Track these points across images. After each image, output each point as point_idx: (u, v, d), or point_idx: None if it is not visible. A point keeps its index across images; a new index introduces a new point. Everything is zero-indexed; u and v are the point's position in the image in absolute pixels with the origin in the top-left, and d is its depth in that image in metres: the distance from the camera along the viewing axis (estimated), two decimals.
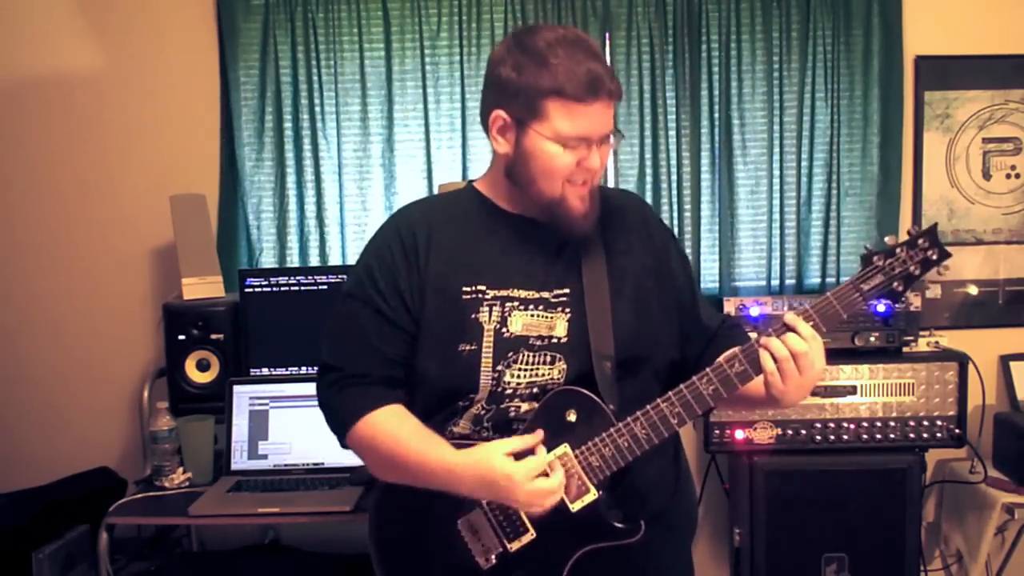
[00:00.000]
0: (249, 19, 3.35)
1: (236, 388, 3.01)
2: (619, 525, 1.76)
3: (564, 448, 1.75)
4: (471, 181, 1.98)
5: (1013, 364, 3.46)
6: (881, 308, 3.05)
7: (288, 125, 3.39)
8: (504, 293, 1.81)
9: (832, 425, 3.03)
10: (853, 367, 3.03)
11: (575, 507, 1.74)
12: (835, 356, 3.02)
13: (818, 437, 3.02)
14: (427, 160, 3.41)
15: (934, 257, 1.69)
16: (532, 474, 1.67)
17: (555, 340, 1.81)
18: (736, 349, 1.75)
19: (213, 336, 3.08)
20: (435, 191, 3.34)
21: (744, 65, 3.41)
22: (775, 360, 1.68)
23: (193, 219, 3.17)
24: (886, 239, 1.72)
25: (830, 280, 3.44)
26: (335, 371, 1.86)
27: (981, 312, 3.51)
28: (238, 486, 2.84)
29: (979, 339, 3.41)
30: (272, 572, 3.04)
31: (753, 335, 1.77)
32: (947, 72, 3.45)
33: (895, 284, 1.70)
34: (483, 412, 1.80)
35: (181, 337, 3.08)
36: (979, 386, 3.19)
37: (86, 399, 3.50)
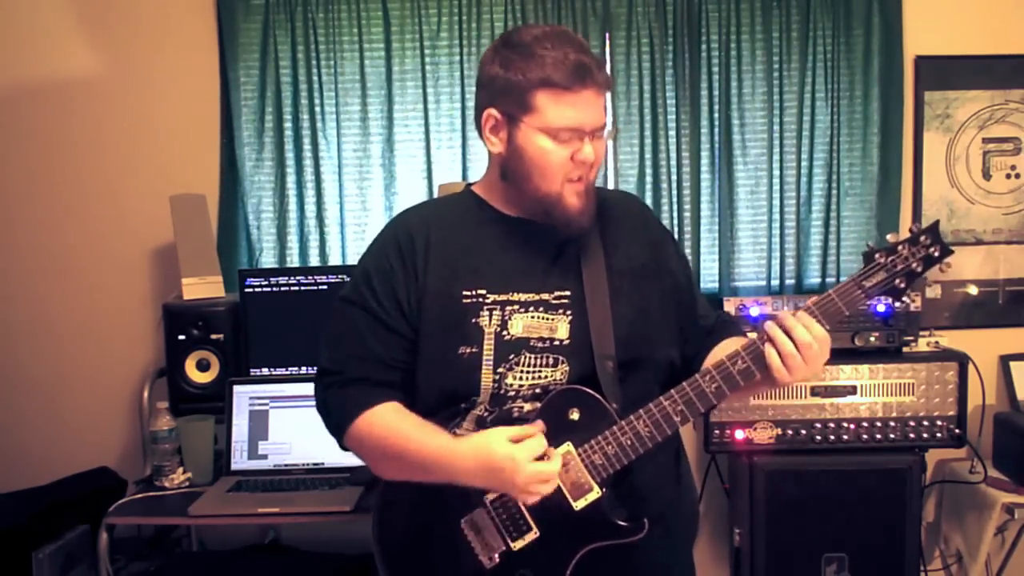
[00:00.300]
0: (249, 19, 3.35)
1: (236, 388, 3.01)
2: (622, 523, 1.76)
3: (567, 446, 1.75)
4: (469, 184, 1.98)
5: (1013, 364, 3.46)
6: (881, 308, 3.06)
7: (288, 125, 3.39)
8: (504, 297, 1.81)
9: (832, 425, 3.02)
10: (853, 367, 3.03)
11: (578, 505, 1.74)
12: (835, 356, 2.98)
13: (818, 437, 3.02)
14: (427, 160, 3.41)
15: (936, 254, 1.69)
16: (532, 455, 1.67)
17: (557, 342, 1.81)
18: (739, 347, 1.74)
19: (213, 336, 3.08)
20: (435, 191, 3.34)
21: (744, 65, 3.41)
22: (781, 356, 1.68)
23: (193, 219, 3.17)
24: (888, 236, 1.72)
25: (830, 280, 3.44)
26: (333, 375, 1.86)
27: (981, 312, 3.51)
28: (238, 486, 2.84)
29: (979, 339, 3.41)
30: (272, 572, 3.04)
31: (753, 335, 1.77)
32: (947, 72, 3.46)
33: (897, 281, 1.70)
34: (486, 414, 1.80)
35: (181, 337, 3.08)
36: (979, 386, 3.19)
37: (86, 399, 3.50)
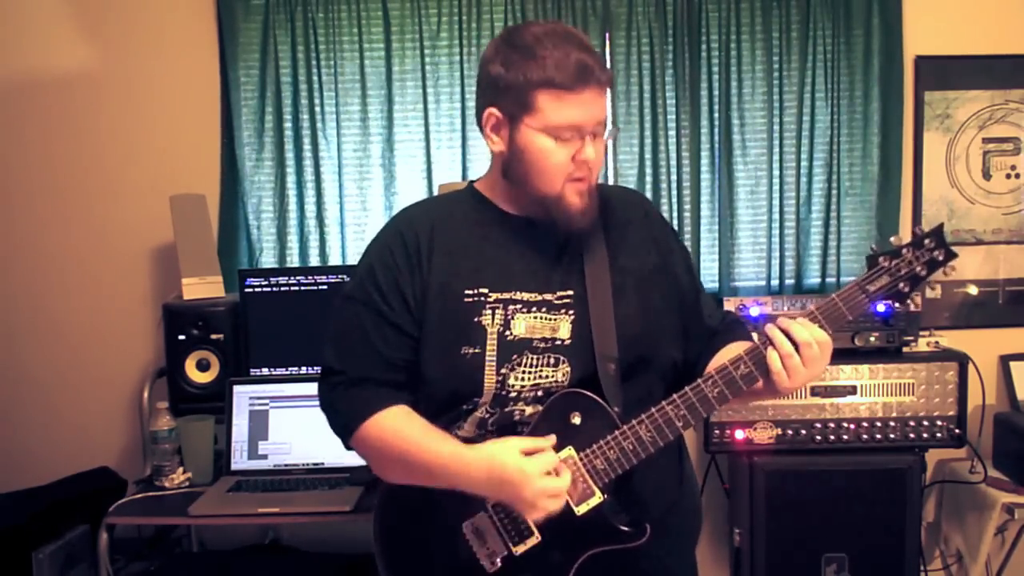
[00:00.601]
0: (249, 19, 3.35)
1: (236, 388, 3.01)
2: (624, 528, 1.76)
3: (569, 451, 1.75)
4: (471, 182, 1.97)
5: (1013, 364, 3.46)
6: (881, 308, 3.05)
7: (288, 125, 3.39)
8: (506, 296, 1.80)
9: (832, 425, 3.02)
10: (853, 367, 3.03)
11: (580, 510, 1.74)
12: (835, 356, 2.97)
13: (818, 437, 3.02)
14: (427, 160, 3.41)
15: (940, 258, 1.70)
16: (543, 469, 1.67)
17: (559, 342, 1.80)
18: (741, 351, 1.74)
19: (213, 336, 3.08)
20: (435, 191, 3.34)
21: (744, 65, 3.41)
22: (780, 358, 1.68)
23: (193, 219, 3.17)
24: (891, 239, 1.72)
25: (830, 280, 3.45)
26: (338, 374, 1.85)
27: (981, 312, 3.51)
28: (238, 486, 2.84)
29: (979, 339, 3.41)
30: (272, 572, 3.04)
31: (755, 335, 1.77)
32: (947, 72, 3.46)
33: (901, 285, 1.70)
34: (487, 415, 1.80)
35: (181, 337, 3.07)
36: (979, 386, 3.19)
37: (86, 399, 3.50)
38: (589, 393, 1.77)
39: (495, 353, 1.77)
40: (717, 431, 3.05)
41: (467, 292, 1.80)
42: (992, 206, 3.50)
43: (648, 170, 3.41)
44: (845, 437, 3.01)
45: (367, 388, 1.81)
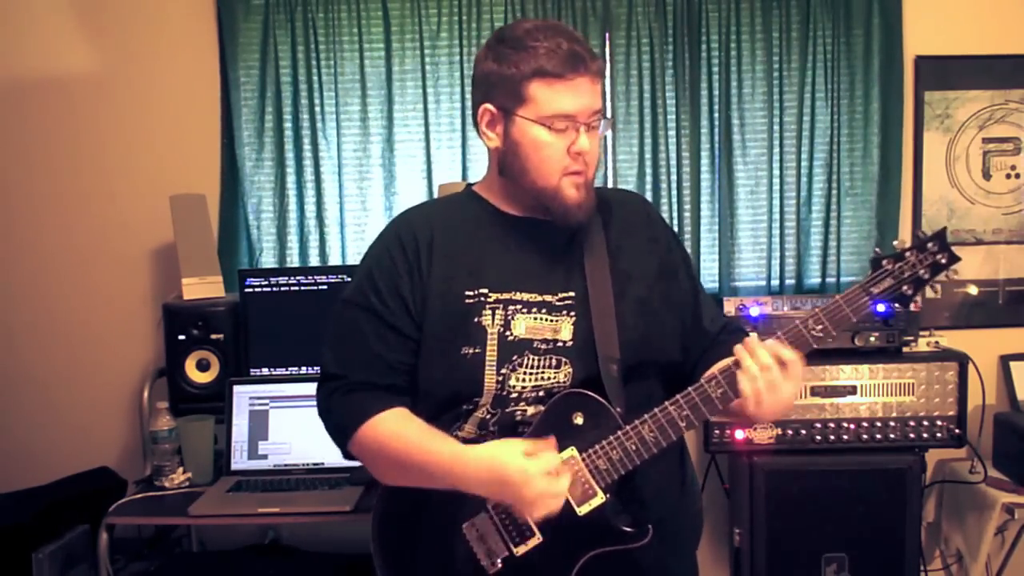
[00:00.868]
0: (249, 19, 3.35)
1: (236, 388, 3.01)
2: (626, 529, 1.75)
3: (571, 451, 1.74)
4: (470, 184, 1.98)
5: (1013, 364, 3.46)
6: (881, 308, 3.05)
7: (288, 125, 3.39)
8: (506, 296, 1.80)
9: (832, 425, 3.02)
10: (853, 367, 3.03)
11: (582, 511, 1.74)
12: (835, 356, 3.04)
13: (818, 437, 3.02)
14: (427, 160, 3.41)
15: (943, 261, 1.70)
16: (544, 470, 1.66)
17: (560, 344, 1.80)
18: (715, 369, 1.74)
19: (213, 336, 3.08)
20: (435, 191, 3.34)
21: (744, 65, 3.40)
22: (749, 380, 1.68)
23: (193, 219, 3.17)
24: (894, 243, 1.72)
25: (830, 280, 3.45)
26: (337, 379, 1.84)
27: (981, 312, 3.51)
28: (238, 486, 2.84)
29: (979, 339, 3.41)
30: (272, 572, 3.04)
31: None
32: (947, 72, 3.46)
33: (905, 288, 1.70)
34: (488, 416, 1.80)
35: (181, 337, 3.07)
36: (979, 386, 3.19)
37: (86, 399, 3.49)
38: (591, 393, 1.76)
39: (495, 353, 1.77)
40: (717, 431, 3.05)
41: (467, 293, 1.80)
42: (992, 206, 3.50)
43: (648, 170, 3.41)
44: (845, 437, 3.02)
45: (366, 392, 1.81)
